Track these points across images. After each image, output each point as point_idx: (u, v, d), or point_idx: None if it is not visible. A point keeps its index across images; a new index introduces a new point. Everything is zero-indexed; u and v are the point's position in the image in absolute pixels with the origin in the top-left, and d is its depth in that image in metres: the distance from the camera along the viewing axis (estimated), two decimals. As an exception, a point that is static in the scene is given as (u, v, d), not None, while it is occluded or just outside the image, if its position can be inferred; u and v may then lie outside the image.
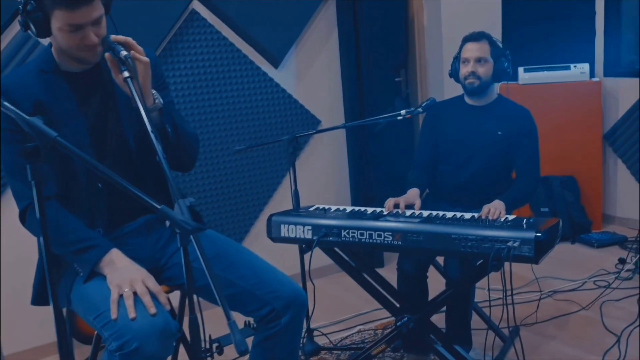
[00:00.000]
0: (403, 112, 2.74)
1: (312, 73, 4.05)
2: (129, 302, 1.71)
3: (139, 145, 1.95)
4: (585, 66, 4.51)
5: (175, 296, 2.16)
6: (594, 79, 4.57)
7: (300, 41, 3.96)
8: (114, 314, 1.70)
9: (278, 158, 3.96)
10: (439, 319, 2.89)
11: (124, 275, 1.78)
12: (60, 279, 1.90)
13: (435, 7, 4.46)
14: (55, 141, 1.46)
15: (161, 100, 1.87)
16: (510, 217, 2.44)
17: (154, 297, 1.76)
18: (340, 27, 4.05)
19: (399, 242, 2.35)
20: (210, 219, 3.77)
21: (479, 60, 2.82)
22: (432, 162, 2.99)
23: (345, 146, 4.22)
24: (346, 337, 3.28)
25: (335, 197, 4.21)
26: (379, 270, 2.98)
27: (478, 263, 2.42)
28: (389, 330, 2.79)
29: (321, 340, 3.20)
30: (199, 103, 3.66)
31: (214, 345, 1.83)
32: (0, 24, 3.02)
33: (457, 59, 2.92)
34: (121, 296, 1.73)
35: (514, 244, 2.16)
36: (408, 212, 2.57)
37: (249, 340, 1.92)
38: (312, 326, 3.08)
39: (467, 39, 2.89)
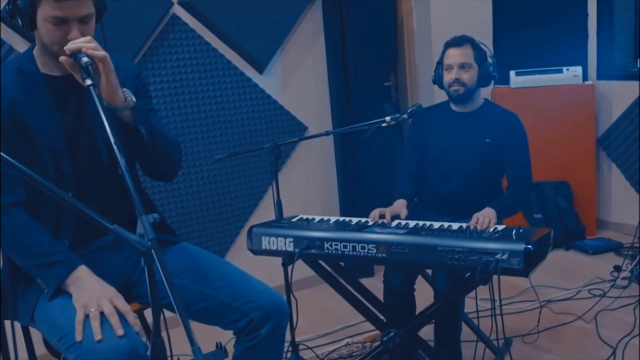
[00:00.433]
0: (388, 118, 2.64)
1: (298, 78, 3.96)
2: (95, 323, 1.63)
3: (111, 154, 1.87)
4: (578, 69, 4.43)
5: (149, 313, 2.06)
6: (587, 82, 4.49)
7: (285, 45, 3.86)
8: (79, 336, 1.62)
9: (264, 166, 3.85)
10: (428, 331, 2.80)
11: (90, 294, 1.70)
12: (25, 294, 1.82)
13: (425, 9, 4.37)
14: None
15: (133, 98, 1.80)
16: (500, 227, 2.33)
17: (122, 317, 1.68)
18: (327, 30, 3.96)
19: (384, 255, 2.26)
20: (191, 229, 3.65)
21: (462, 66, 2.73)
22: (419, 170, 2.90)
23: (333, 153, 4.12)
24: (333, 351, 3.17)
25: (324, 206, 4.11)
26: (369, 280, 2.90)
27: (466, 275, 2.33)
28: (376, 344, 2.69)
29: (307, 355, 3.09)
30: (181, 110, 3.55)
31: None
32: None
33: (440, 64, 2.82)
34: (87, 316, 1.65)
35: (503, 257, 2.06)
36: (394, 223, 2.48)
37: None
38: (297, 339, 2.98)
39: (449, 44, 2.79)
